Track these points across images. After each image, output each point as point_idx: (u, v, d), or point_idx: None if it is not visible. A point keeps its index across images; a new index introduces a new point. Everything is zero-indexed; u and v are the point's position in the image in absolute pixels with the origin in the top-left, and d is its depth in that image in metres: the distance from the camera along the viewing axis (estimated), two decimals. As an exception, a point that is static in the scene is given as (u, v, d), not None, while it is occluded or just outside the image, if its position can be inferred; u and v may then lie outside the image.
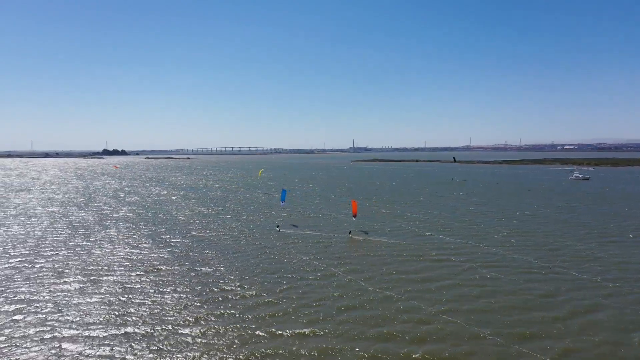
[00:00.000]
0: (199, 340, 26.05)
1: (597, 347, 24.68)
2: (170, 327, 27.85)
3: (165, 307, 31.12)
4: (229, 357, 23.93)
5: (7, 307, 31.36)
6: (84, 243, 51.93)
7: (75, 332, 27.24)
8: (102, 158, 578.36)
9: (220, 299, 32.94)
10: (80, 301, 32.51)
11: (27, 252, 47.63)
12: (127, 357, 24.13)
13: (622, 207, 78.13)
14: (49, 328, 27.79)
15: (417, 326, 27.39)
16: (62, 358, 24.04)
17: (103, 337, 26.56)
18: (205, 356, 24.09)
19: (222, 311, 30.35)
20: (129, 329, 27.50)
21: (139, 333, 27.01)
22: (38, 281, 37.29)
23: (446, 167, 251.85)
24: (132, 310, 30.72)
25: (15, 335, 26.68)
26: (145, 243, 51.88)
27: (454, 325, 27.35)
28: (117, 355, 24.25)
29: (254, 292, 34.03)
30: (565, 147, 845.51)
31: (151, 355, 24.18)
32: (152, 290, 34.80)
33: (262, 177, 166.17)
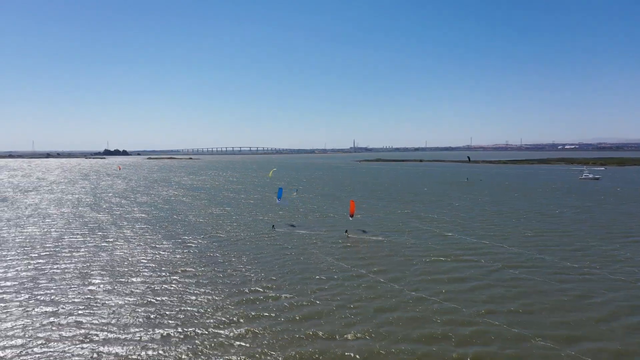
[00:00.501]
0: (239, 342, 25.64)
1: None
2: (208, 329, 27.45)
3: (200, 309, 30.72)
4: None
5: (38, 309, 30.98)
6: (104, 244, 51.54)
7: (113, 334, 26.84)
8: (104, 158, 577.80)
9: (253, 299, 32.56)
10: (112, 302, 32.12)
11: (48, 253, 47.25)
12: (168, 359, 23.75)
13: (639, 207, 77.75)
14: (84, 330, 27.40)
15: (459, 328, 26.99)
16: (105, 361, 23.68)
17: (142, 339, 26.18)
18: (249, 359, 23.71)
19: (257, 312, 29.94)
20: (169, 331, 27.10)
21: (178, 335, 26.63)
22: (65, 282, 36.90)
23: (450, 167, 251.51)
24: (167, 311, 30.33)
25: (52, 338, 26.30)
26: (164, 243, 51.49)
27: (497, 327, 26.95)
28: (159, 359, 23.87)
29: (285, 293, 33.63)
30: (566, 147, 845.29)
31: (195, 358, 23.80)
32: (183, 291, 34.41)
33: (270, 178, 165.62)
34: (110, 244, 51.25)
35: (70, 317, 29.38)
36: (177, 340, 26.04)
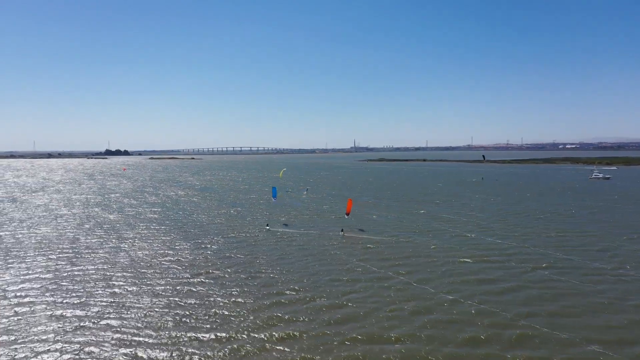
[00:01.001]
0: (279, 347, 25.07)
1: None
2: (245, 332, 26.87)
3: (232, 312, 30.14)
4: (318, 365, 22.98)
5: (67, 312, 30.39)
6: (122, 245, 50.95)
7: (149, 338, 26.27)
8: (106, 158, 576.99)
9: (284, 302, 31.96)
10: (140, 305, 31.53)
11: (66, 254, 46.65)
12: (211, 364, 23.18)
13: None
14: (119, 335, 26.82)
15: (503, 332, 26.38)
16: (144, 366, 23.10)
17: (178, 342, 25.61)
18: (293, 364, 23.13)
19: (291, 315, 29.34)
20: (203, 334, 26.53)
21: (214, 338, 26.05)
22: (89, 284, 36.30)
23: (454, 166, 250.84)
24: (198, 314, 29.74)
25: (88, 342, 25.73)
26: (183, 244, 50.88)
27: (540, 331, 26.35)
28: (200, 363, 23.30)
29: (316, 296, 33.03)
30: (567, 147, 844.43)
31: (236, 363, 23.23)
32: (211, 293, 33.82)
33: (276, 178, 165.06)
34: (129, 245, 50.66)
35: (101, 320, 28.80)
36: (214, 343, 25.46)
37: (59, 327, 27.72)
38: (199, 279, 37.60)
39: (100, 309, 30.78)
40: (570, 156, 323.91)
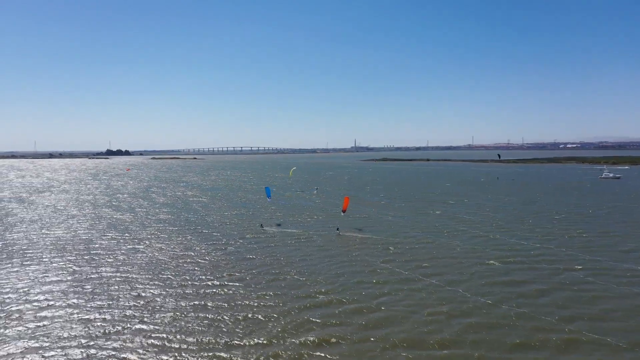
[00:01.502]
0: (319, 352, 24.27)
1: None
2: (280, 336, 26.05)
3: (263, 315, 29.31)
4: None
5: (94, 315, 29.59)
6: (139, 246, 50.11)
7: (181, 344, 25.48)
8: (108, 158, 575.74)
9: (315, 305, 31.12)
10: (168, 308, 30.73)
11: (84, 256, 45.84)
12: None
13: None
14: (151, 340, 26.03)
15: (548, 336, 25.56)
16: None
17: (212, 347, 24.82)
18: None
19: (325, 320, 28.51)
20: (238, 340, 25.71)
21: (248, 343, 25.26)
22: (112, 287, 35.49)
23: (459, 166, 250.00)
24: (227, 317, 28.92)
25: (120, 347, 24.92)
26: (200, 245, 50.05)
27: (588, 336, 25.50)
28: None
29: (347, 299, 32.19)
30: (568, 146, 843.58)
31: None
32: (239, 296, 32.99)
33: (285, 177, 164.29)
34: (146, 246, 49.84)
35: (130, 325, 27.98)
36: (250, 349, 24.66)
37: (88, 332, 26.91)
38: (222, 281, 36.79)
39: (128, 313, 29.97)
40: (575, 155, 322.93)
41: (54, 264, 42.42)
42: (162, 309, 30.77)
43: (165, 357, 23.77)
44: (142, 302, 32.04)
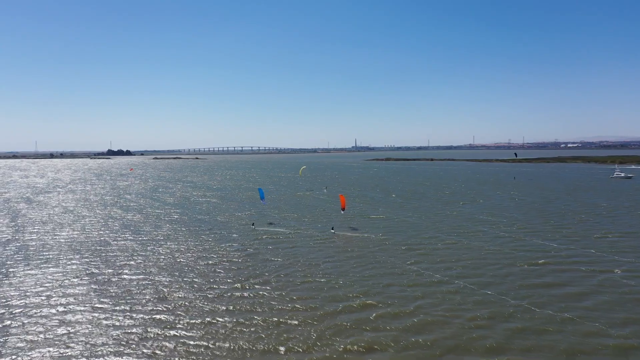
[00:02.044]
0: (365, 358, 23.13)
1: None
2: (320, 343, 24.93)
3: (298, 319, 28.20)
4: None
5: (124, 320, 28.48)
6: (160, 249, 48.93)
7: (219, 351, 24.37)
8: (110, 158, 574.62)
9: (350, 309, 30.01)
10: (198, 312, 29.62)
11: (100, 257, 44.76)
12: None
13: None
14: (185, 348, 24.92)
15: (600, 340, 24.42)
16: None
17: (251, 355, 23.67)
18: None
19: (364, 324, 27.39)
20: (279, 346, 24.59)
21: (289, 349, 24.18)
22: (135, 289, 34.37)
23: (465, 165, 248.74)
24: (263, 322, 27.81)
25: (154, 354, 23.79)
26: (220, 247, 48.91)
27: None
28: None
29: (382, 302, 31.05)
30: (569, 145, 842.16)
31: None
32: (269, 299, 31.87)
33: (292, 177, 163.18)
34: (164, 248, 48.71)
35: (161, 329, 26.89)
36: (291, 356, 23.55)
37: (119, 338, 25.81)
38: (247, 284, 35.68)
39: (156, 317, 28.87)
40: (580, 155, 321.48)
41: (72, 266, 41.33)
42: (191, 313, 29.68)
43: (203, 365, 22.68)
44: (169, 306, 30.95)
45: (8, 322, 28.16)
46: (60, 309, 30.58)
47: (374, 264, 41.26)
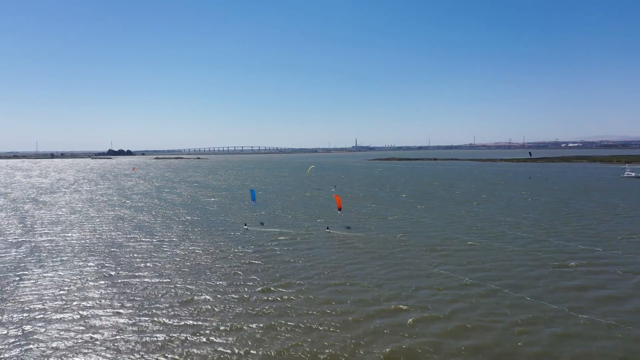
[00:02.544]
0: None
1: None
2: (352, 348, 23.80)
3: (323, 324, 27.11)
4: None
5: (147, 325, 27.38)
6: (174, 250, 47.87)
7: (249, 357, 23.22)
8: (111, 158, 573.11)
9: (383, 313, 28.88)
10: (224, 317, 28.54)
11: (114, 259, 43.66)
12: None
13: None
14: (222, 355, 23.83)
15: (654, 349, 23.31)
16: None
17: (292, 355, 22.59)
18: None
19: (400, 330, 26.32)
20: (319, 356, 23.45)
21: (330, 357, 23.00)
22: (158, 293, 33.30)
23: (470, 165, 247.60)
24: (292, 327, 26.74)
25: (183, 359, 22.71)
26: (237, 248, 47.76)
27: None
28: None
29: (414, 306, 29.97)
30: (570, 145, 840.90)
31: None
32: (295, 302, 30.81)
33: (299, 177, 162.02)
34: (180, 249, 47.60)
35: (187, 333, 25.79)
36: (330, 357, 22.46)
37: (144, 342, 24.73)
38: (271, 287, 34.57)
39: (182, 322, 27.77)
40: (584, 154, 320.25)
41: (88, 269, 40.23)
42: (217, 317, 28.60)
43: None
44: (193, 310, 29.87)
45: (29, 328, 27.09)
46: (82, 312, 29.51)
47: (397, 265, 40.15)
